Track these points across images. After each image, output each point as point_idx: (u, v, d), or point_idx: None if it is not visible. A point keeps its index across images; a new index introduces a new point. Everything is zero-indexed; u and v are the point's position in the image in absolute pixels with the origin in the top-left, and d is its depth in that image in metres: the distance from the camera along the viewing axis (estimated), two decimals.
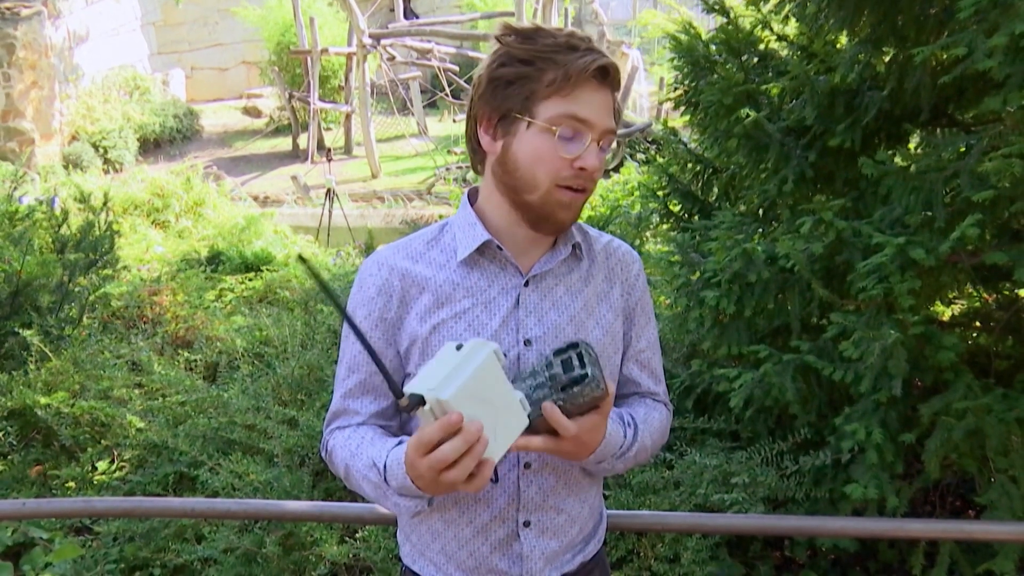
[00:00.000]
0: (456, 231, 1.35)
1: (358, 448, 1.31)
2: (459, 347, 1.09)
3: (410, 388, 1.06)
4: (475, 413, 1.05)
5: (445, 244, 1.35)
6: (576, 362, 1.17)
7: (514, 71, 1.24)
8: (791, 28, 2.89)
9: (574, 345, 1.19)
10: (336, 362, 1.45)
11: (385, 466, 1.23)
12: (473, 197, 1.38)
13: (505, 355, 1.27)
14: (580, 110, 1.22)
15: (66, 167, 12.29)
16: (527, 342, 1.31)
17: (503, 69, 1.25)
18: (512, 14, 12.81)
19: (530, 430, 1.17)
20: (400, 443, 1.24)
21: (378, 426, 1.37)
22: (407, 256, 1.35)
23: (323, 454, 1.44)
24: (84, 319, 4.69)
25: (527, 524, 1.36)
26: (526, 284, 1.33)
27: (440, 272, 1.33)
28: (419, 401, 1.04)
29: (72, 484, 3.36)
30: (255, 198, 11.89)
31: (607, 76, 1.24)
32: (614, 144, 1.28)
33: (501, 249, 1.31)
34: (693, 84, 2.98)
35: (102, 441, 3.52)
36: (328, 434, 1.41)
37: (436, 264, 1.33)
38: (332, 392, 1.43)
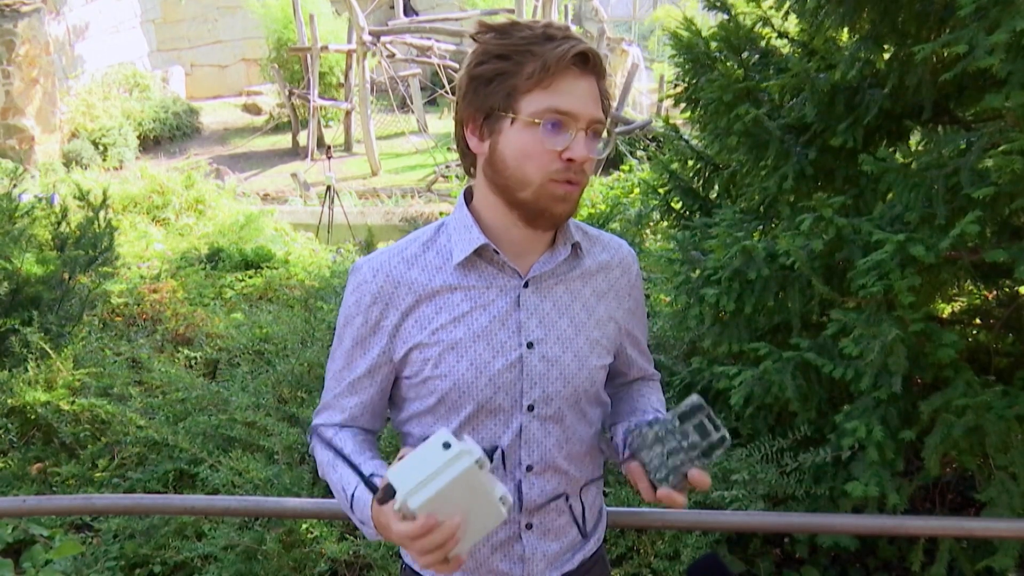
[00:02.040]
0: (452, 232, 1.33)
1: (334, 460, 1.33)
2: (447, 445, 1.08)
3: (389, 478, 1.07)
4: (446, 513, 1.07)
5: (441, 246, 1.33)
6: (711, 426, 1.22)
7: (493, 68, 1.21)
8: (792, 25, 2.89)
9: (700, 408, 1.22)
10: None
11: (353, 497, 1.25)
12: (469, 196, 1.35)
13: (507, 358, 1.28)
14: (563, 101, 1.19)
15: (66, 164, 12.28)
16: (529, 344, 1.30)
17: (481, 67, 1.23)
18: (512, 11, 12.78)
19: (667, 486, 1.23)
20: (372, 475, 1.24)
21: (359, 429, 1.39)
22: (403, 260, 1.32)
23: (309, 442, 1.47)
24: (84, 316, 4.68)
25: (529, 527, 1.37)
26: (526, 285, 1.31)
27: (436, 276, 1.31)
28: (391, 492, 1.07)
29: (72, 481, 3.36)
30: (260, 196, 11.89)
31: (588, 63, 1.21)
32: (604, 132, 1.26)
33: (498, 253, 1.29)
34: (694, 81, 2.98)
35: (102, 438, 3.52)
36: (312, 429, 1.42)
37: (432, 268, 1.31)
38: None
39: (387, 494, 1.08)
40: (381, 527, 1.17)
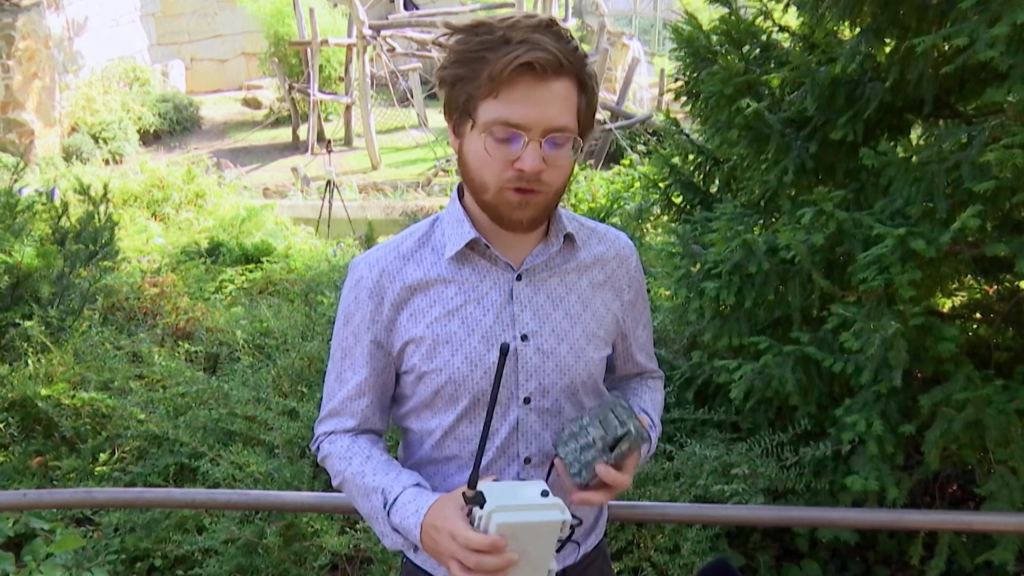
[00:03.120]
0: (446, 227, 1.33)
1: (361, 468, 1.32)
2: (545, 493, 1.13)
3: (484, 489, 1.12)
4: (512, 545, 1.11)
5: (435, 241, 1.33)
6: (615, 421, 1.21)
7: (453, 73, 1.20)
8: (792, 18, 2.88)
9: (610, 403, 1.22)
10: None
11: (396, 500, 1.25)
12: (462, 191, 1.35)
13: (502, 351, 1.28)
14: (511, 112, 1.15)
15: (66, 158, 12.27)
16: (524, 337, 1.30)
17: (445, 71, 1.22)
18: (512, 4, 12.77)
19: (584, 487, 1.23)
20: (417, 485, 1.26)
21: (373, 434, 1.39)
22: (398, 256, 1.33)
23: (313, 449, 1.45)
24: (84, 310, 4.68)
25: None
26: (519, 278, 1.31)
27: (431, 270, 1.31)
28: (480, 500, 1.11)
29: (73, 475, 3.37)
30: (260, 190, 11.88)
31: (534, 70, 1.14)
32: (571, 137, 1.20)
33: (488, 247, 1.29)
34: (694, 75, 2.97)
35: (103, 432, 3.52)
36: (323, 436, 1.41)
37: (427, 262, 1.32)
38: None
39: (477, 500, 1.12)
40: (435, 529, 1.17)
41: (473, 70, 1.17)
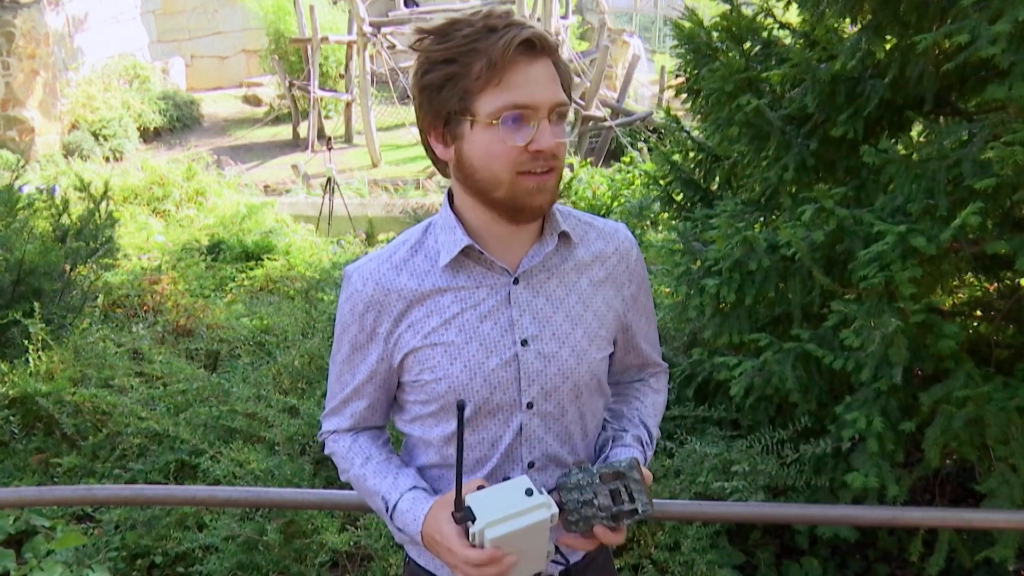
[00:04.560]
0: (439, 234, 1.30)
1: (361, 471, 1.37)
2: (529, 492, 1.16)
3: (470, 503, 1.16)
4: (508, 550, 1.16)
5: (429, 248, 1.31)
6: (625, 495, 1.22)
7: (440, 74, 1.17)
8: (793, 15, 2.88)
9: (620, 475, 1.22)
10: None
11: (395, 506, 1.29)
12: (452, 197, 1.32)
13: (501, 357, 1.28)
14: (518, 96, 1.15)
15: (66, 156, 12.26)
16: (524, 342, 1.29)
17: (429, 75, 1.19)
18: (512, 1, 12.75)
19: (575, 531, 1.26)
20: (414, 488, 1.30)
21: (373, 431, 1.43)
22: (392, 266, 1.31)
23: (320, 440, 1.48)
24: (85, 308, 4.69)
25: None
26: (516, 282, 1.29)
27: (426, 280, 1.29)
28: (470, 517, 1.15)
29: (74, 472, 3.37)
30: (261, 188, 11.88)
31: (535, 47, 1.16)
32: (571, 114, 1.24)
33: (482, 253, 1.27)
34: (695, 72, 2.97)
35: (103, 430, 3.52)
36: (327, 434, 1.45)
37: (421, 271, 1.30)
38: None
39: (466, 517, 1.15)
40: (434, 541, 1.23)
41: (464, 64, 1.16)
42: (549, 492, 1.24)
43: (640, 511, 1.22)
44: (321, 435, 1.46)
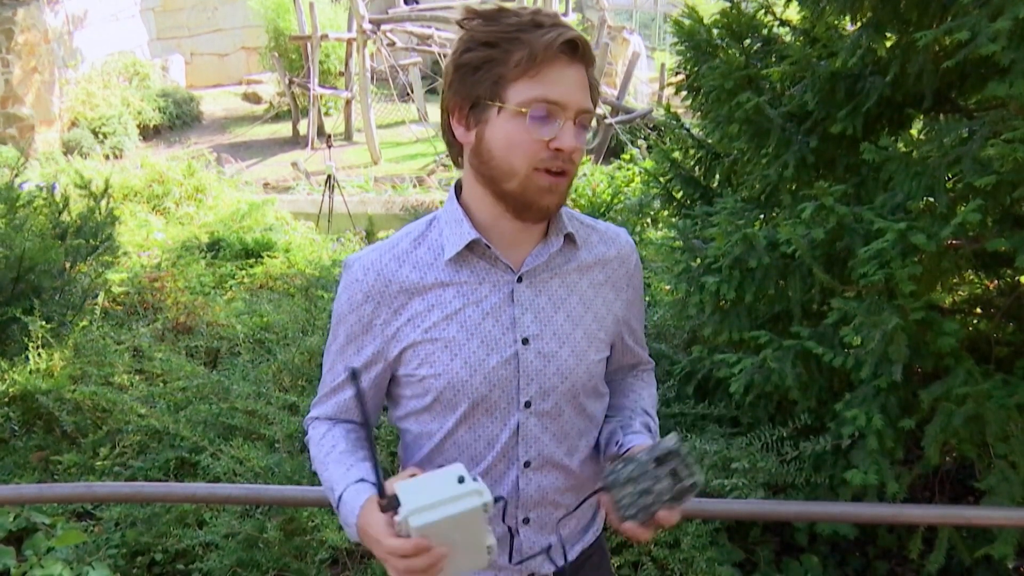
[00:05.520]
0: (444, 227, 1.30)
1: (324, 459, 1.34)
2: (461, 479, 1.10)
3: (398, 491, 1.10)
4: (437, 541, 1.09)
5: (432, 241, 1.30)
6: (684, 472, 1.21)
7: (480, 55, 1.18)
8: (793, 12, 2.88)
9: (675, 452, 1.21)
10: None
11: (340, 499, 1.25)
12: (460, 189, 1.32)
13: (501, 355, 1.27)
14: (551, 91, 1.17)
15: (66, 153, 12.25)
16: (524, 340, 1.28)
17: (468, 55, 1.20)
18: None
19: (635, 522, 1.23)
20: (360, 481, 1.24)
21: (353, 424, 1.39)
22: (394, 258, 1.30)
23: (304, 427, 1.48)
24: (85, 305, 4.68)
25: (526, 521, 1.36)
26: (519, 280, 1.29)
27: (428, 273, 1.28)
28: (395, 504, 1.09)
29: (74, 470, 3.37)
30: (261, 185, 11.88)
31: (576, 51, 1.18)
32: (593, 123, 1.25)
33: (489, 247, 1.27)
34: (695, 69, 2.97)
35: (103, 427, 3.52)
36: (310, 420, 1.44)
37: (423, 264, 1.29)
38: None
39: (391, 504, 1.10)
40: (366, 534, 1.18)
41: (505, 51, 1.17)
42: (597, 491, 1.22)
43: (698, 482, 1.21)
44: (305, 421, 1.45)
